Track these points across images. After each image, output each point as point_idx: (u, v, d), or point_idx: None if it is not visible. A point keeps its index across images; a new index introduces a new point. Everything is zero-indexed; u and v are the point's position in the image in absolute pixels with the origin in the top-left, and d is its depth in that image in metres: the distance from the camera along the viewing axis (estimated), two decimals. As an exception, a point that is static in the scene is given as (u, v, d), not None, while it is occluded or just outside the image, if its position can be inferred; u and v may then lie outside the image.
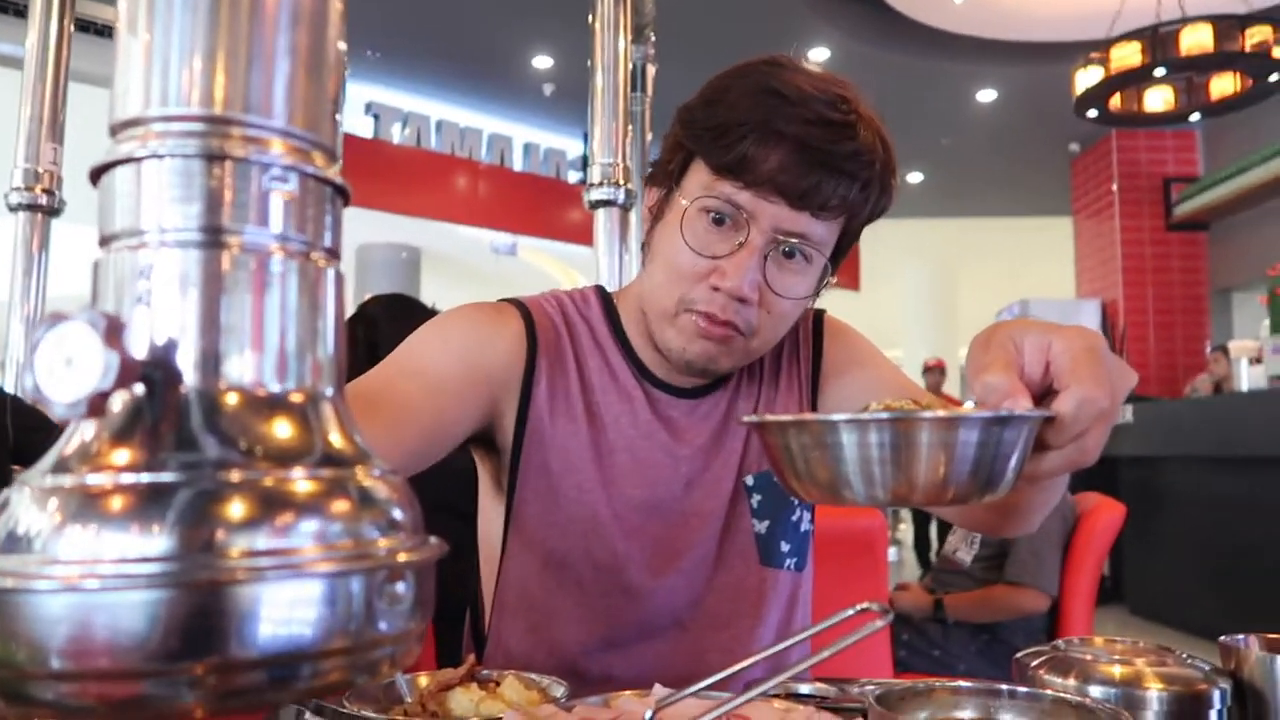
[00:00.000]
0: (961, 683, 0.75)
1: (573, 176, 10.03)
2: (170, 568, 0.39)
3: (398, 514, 0.45)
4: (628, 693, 0.85)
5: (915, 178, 11.45)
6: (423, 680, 0.90)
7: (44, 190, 2.98)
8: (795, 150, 0.99)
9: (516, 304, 1.18)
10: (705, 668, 1.17)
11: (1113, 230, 10.23)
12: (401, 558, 0.43)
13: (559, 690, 0.89)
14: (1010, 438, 0.58)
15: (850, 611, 0.56)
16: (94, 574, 0.39)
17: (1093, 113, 7.30)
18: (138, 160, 0.44)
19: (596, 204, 2.94)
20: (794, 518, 1.20)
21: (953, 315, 13.28)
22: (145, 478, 0.40)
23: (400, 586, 0.44)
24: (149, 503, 0.40)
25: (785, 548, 1.19)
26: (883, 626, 0.52)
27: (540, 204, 9.78)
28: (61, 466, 0.42)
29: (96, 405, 0.39)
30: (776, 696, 0.86)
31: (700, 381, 1.18)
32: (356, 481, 0.44)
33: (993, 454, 0.58)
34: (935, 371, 9.01)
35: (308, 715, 0.78)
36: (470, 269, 11.54)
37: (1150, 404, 6.81)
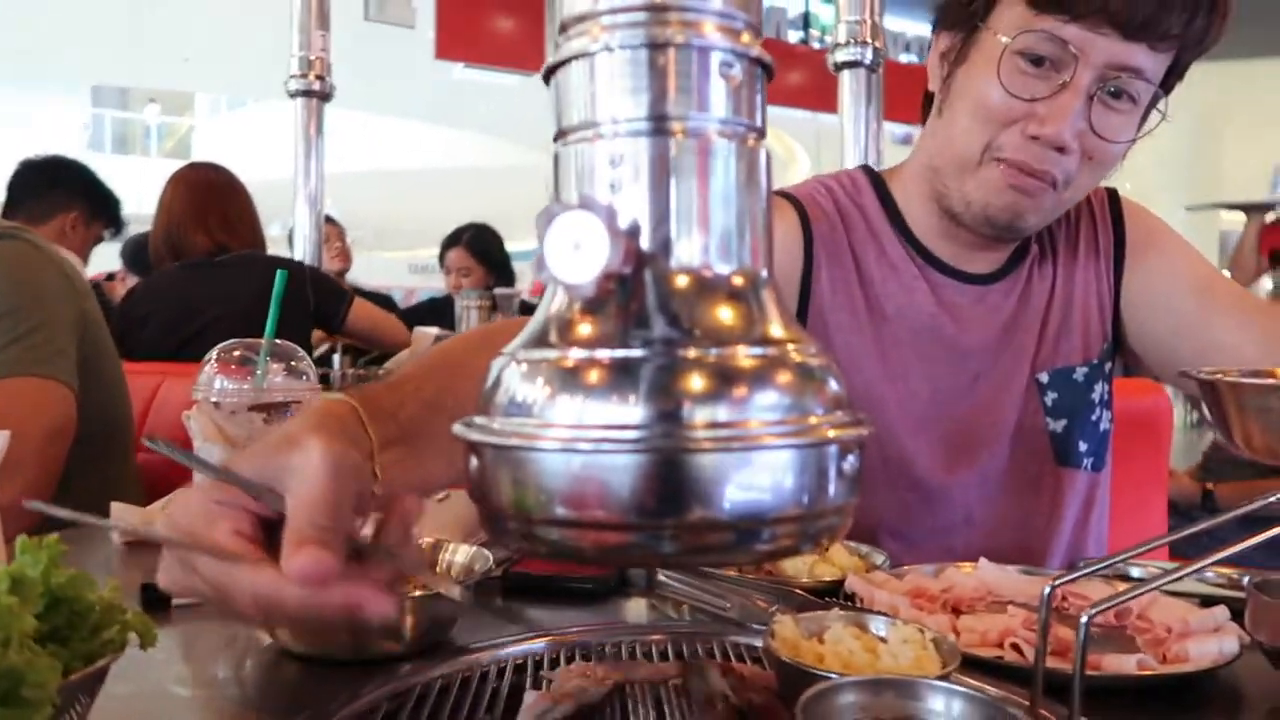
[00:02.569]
0: (1353, 578, 0.71)
1: (792, 36, 9.60)
2: (647, 435, 0.43)
3: (834, 389, 0.47)
4: (964, 565, 0.86)
5: (1181, 16, 10.09)
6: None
7: (316, 76, 3.20)
8: None
9: (787, 196, 1.13)
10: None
11: None
12: (850, 433, 0.46)
13: (879, 557, 0.92)
14: None
15: (1263, 501, 0.54)
16: (584, 438, 0.44)
17: None
18: (590, 55, 0.47)
19: (842, 65, 2.80)
20: (1094, 416, 1.13)
21: (1215, 170, 11.86)
22: (619, 354, 0.45)
23: (850, 460, 0.46)
24: (623, 377, 0.44)
25: (1083, 447, 1.12)
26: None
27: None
28: (542, 340, 0.47)
29: (603, 286, 0.43)
30: (1116, 580, 0.85)
31: (990, 265, 1.11)
32: (796, 359, 0.46)
33: None
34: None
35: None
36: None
37: None
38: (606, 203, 0.43)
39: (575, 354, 0.45)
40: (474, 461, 0.47)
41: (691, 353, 0.44)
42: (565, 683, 0.59)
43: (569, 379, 0.45)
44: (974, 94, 0.99)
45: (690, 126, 0.45)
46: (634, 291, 0.45)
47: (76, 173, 2.71)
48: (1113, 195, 1.17)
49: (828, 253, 1.10)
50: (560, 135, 0.48)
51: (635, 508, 0.43)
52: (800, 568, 0.88)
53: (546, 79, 0.49)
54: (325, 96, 3.24)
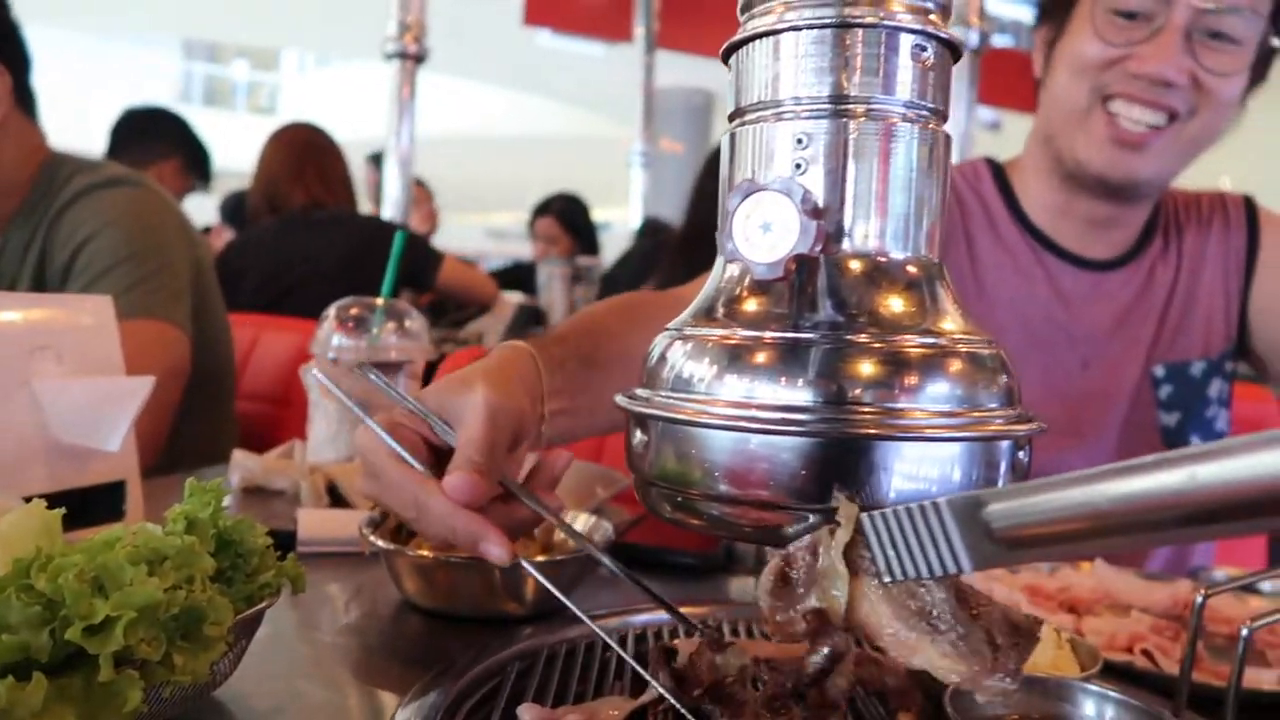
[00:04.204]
0: None
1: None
2: (815, 418, 0.43)
3: (1006, 384, 0.46)
4: (1084, 565, 0.85)
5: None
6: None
7: (413, 39, 3.24)
8: None
9: None
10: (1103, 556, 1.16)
11: None
12: (1021, 428, 0.45)
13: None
14: None
15: None
16: (750, 417, 0.44)
17: None
18: (776, 33, 0.46)
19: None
20: (1209, 413, 1.10)
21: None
22: (789, 335, 0.44)
23: (1023, 455, 0.45)
24: (794, 359, 0.44)
25: (1195, 443, 1.11)
26: None
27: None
28: (709, 316, 0.47)
29: (789, 268, 0.42)
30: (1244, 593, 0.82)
31: (1112, 250, 1.10)
32: (969, 351, 0.46)
33: None
34: None
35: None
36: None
37: None
38: (800, 185, 0.42)
39: (743, 333, 0.45)
40: (637, 433, 0.48)
41: (862, 338, 0.44)
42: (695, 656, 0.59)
43: (737, 357, 0.45)
44: (1072, 52, 1.01)
45: (875, 109, 0.45)
46: (809, 274, 0.45)
47: (177, 123, 2.79)
48: (1249, 201, 1.14)
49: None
50: (738, 114, 0.47)
51: (798, 489, 0.43)
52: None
53: (725, 58, 0.49)
54: (420, 59, 3.27)
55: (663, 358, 0.47)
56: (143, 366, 1.26)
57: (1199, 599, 0.53)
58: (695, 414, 0.45)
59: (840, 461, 0.43)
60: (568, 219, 3.48)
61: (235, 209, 3.44)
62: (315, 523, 0.83)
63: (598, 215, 4.05)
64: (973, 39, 2.64)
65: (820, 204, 0.43)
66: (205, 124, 3.07)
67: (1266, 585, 0.84)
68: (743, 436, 0.44)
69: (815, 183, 0.44)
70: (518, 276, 3.52)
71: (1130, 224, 1.10)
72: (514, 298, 2.76)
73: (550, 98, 11.35)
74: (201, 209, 3.94)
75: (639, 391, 0.48)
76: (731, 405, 0.44)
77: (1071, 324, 1.09)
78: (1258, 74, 0.99)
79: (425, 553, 0.69)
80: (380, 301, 1.08)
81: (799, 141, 0.44)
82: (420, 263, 2.59)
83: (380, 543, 0.69)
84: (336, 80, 13.71)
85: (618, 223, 7.57)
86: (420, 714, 0.52)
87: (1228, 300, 1.10)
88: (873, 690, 0.56)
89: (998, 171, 1.16)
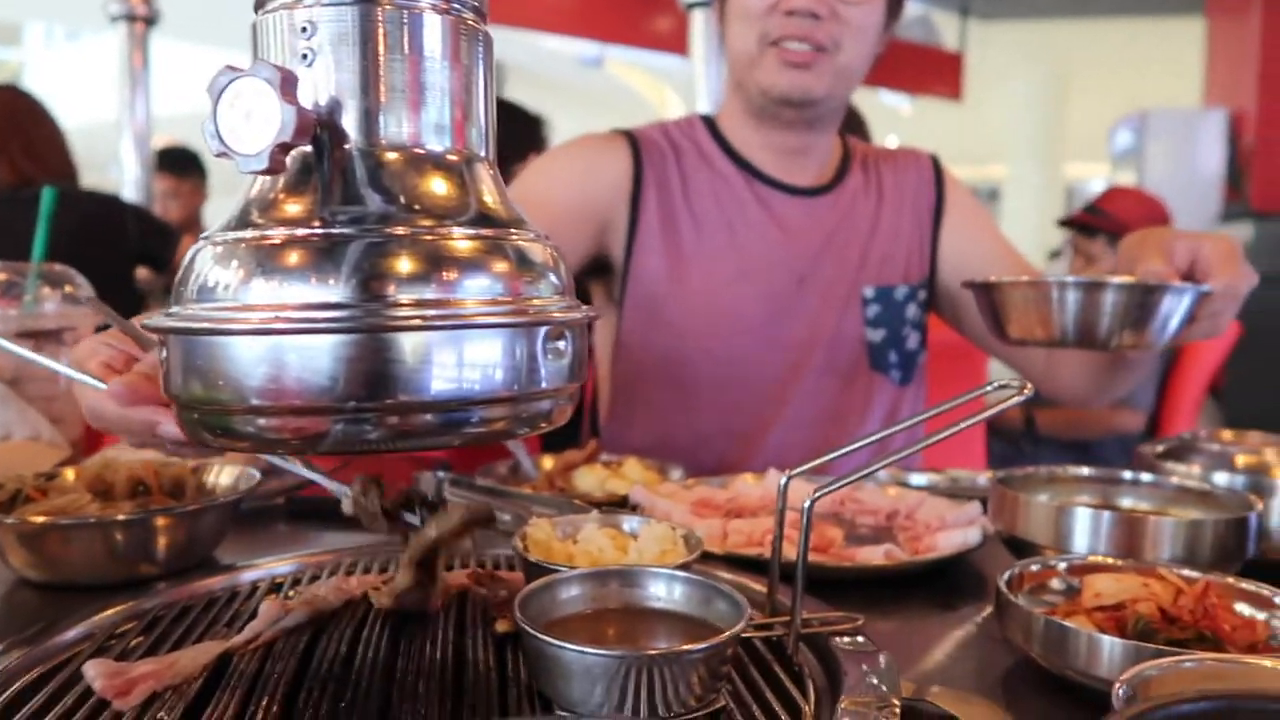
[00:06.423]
0: (1084, 470, 0.76)
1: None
2: (349, 314, 0.41)
3: (553, 276, 0.46)
4: (746, 475, 0.88)
5: (1035, -24, 10.48)
6: (548, 462, 0.96)
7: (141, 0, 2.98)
8: None
9: (624, 133, 1.26)
10: (814, 459, 1.25)
11: (1252, 33, 9.26)
12: (561, 315, 0.45)
13: (676, 473, 0.93)
14: (1176, 305, 0.78)
15: (990, 387, 0.57)
16: (281, 319, 0.41)
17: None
18: (291, -85, 0.43)
19: (693, 5, 2.79)
20: (904, 332, 1.24)
21: (1062, 128, 12.47)
22: (319, 231, 0.42)
23: (561, 343, 0.45)
24: (325, 255, 0.42)
25: (893, 358, 1.24)
26: (1023, 400, 0.52)
27: (629, 10, 9.29)
28: (242, 222, 0.44)
29: (277, 158, 0.40)
30: (891, 485, 0.88)
31: (813, 178, 1.22)
32: (514, 242, 0.45)
33: (1166, 315, 0.78)
34: None
35: (447, 485, 0.84)
36: (556, 84, 11.20)
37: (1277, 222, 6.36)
38: (280, 70, 0.40)
39: (275, 232, 0.43)
40: (163, 354, 0.44)
41: (399, 231, 0.42)
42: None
43: (266, 258, 0.42)
44: (739, 6, 1.15)
45: (398, -3, 0.43)
46: (334, 167, 0.43)
47: None
48: (935, 160, 1.31)
49: (657, 177, 1.21)
50: (260, 4, 0.45)
51: (333, 391, 0.41)
52: (593, 484, 0.88)
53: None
54: (150, 21, 3.02)
55: (190, 268, 0.44)
56: None
57: (782, 480, 0.55)
58: (220, 323, 0.42)
59: (377, 357, 0.41)
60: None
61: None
62: (-74, 506, 0.74)
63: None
64: None
65: (330, 94, 0.41)
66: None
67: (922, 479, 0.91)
68: (274, 341, 0.41)
69: (325, 72, 0.42)
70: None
71: (818, 152, 1.24)
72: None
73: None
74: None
75: (172, 309, 0.45)
76: (261, 309, 0.42)
77: (788, 243, 1.21)
78: (893, 9, 1.16)
79: (35, 518, 0.63)
80: (33, 266, 0.98)
81: (303, 30, 0.42)
82: (156, 241, 2.39)
83: (-27, 514, 0.62)
84: (87, 55, 12.49)
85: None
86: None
87: (921, 242, 1.27)
88: (481, 601, 0.56)
89: (708, 121, 1.28)
